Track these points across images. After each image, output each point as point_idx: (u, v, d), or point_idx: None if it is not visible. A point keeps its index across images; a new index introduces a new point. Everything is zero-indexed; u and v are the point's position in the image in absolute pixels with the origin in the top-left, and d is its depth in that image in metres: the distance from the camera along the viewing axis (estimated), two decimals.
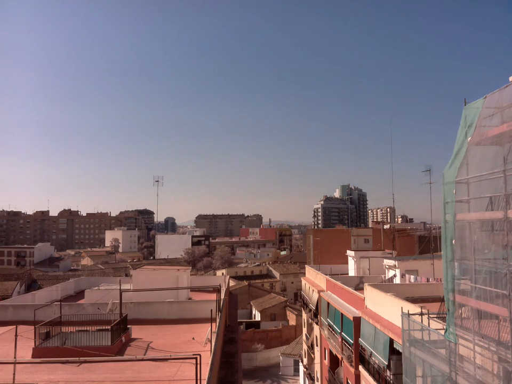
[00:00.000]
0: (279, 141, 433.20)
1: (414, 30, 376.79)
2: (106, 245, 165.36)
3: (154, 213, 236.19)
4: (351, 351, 22.19)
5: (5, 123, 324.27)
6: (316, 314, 32.02)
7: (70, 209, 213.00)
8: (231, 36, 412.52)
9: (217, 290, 20.13)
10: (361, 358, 20.97)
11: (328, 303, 27.58)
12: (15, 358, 13.25)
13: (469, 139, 11.32)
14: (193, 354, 10.32)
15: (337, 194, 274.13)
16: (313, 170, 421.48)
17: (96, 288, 27.59)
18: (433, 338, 12.48)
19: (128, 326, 17.67)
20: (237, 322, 29.65)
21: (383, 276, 30.82)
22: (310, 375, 36.12)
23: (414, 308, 14.77)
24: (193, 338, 16.66)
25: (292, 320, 59.42)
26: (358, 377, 21.55)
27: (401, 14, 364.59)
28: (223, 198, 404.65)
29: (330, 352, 27.47)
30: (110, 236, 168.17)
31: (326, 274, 31.54)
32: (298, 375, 43.77)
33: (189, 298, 25.93)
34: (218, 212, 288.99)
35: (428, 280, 25.17)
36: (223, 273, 71.40)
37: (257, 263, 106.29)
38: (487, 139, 10.84)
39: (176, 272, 26.54)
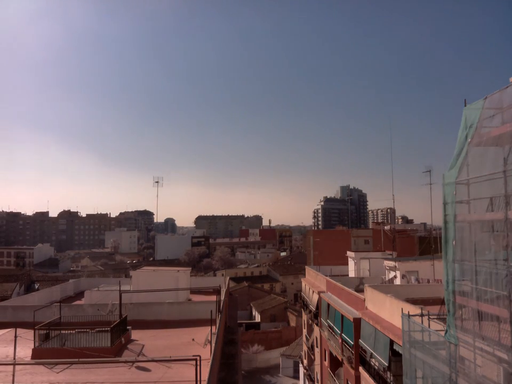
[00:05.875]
0: (278, 141, 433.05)
1: (413, 29, 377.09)
2: (106, 246, 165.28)
3: (154, 214, 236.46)
4: (351, 352, 22.15)
5: (5, 123, 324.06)
6: (316, 315, 31.97)
7: (69, 210, 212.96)
8: (232, 35, 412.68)
9: (217, 291, 20.13)
10: (362, 359, 20.93)
11: (328, 304, 27.54)
12: (14, 359, 13.24)
13: (469, 140, 11.31)
14: (193, 356, 10.30)
15: (337, 195, 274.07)
16: (313, 171, 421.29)
17: (96, 289, 27.57)
18: (433, 340, 12.44)
19: (127, 327, 17.66)
20: (237, 324, 29.65)
21: (383, 277, 30.78)
22: (310, 376, 36.06)
23: (414, 309, 14.74)
24: (193, 340, 16.63)
25: (292, 321, 59.40)
26: (358, 378, 21.50)
27: (400, 14, 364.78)
28: (222, 198, 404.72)
29: (331, 353, 27.43)
30: (109, 237, 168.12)
31: (326, 276, 31.50)
32: (298, 376, 43.70)
33: (189, 300, 25.91)
34: (218, 212, 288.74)
35: (428, 281, 25.15)
36: (223, 274, 71.37)
37: (257, 264, 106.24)
38: (488, 140, 10.82)
39: (175, 273, 26.51)
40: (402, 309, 14.82)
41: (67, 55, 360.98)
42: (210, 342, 14.87)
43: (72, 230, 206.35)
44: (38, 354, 14.63)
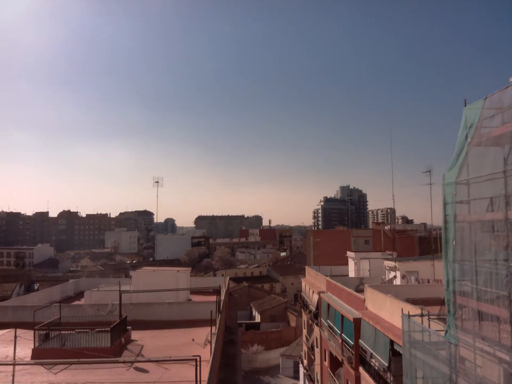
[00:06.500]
0: (278, 141, 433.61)
1: (414, 29, 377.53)
2: (106, 246, 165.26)
3: (154, 214, 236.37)
4: (352, 352, 22.15)
5: (4, 123, 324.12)
6: (316, 315, 31.97)
7: (69, 210, 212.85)
8: (231, 37, 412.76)
9: (217, 291, 20.11)
10: (362, 360, 20.93)
11: (329, 305, 27.54)
12: (14, 359, 13.24)
13: (469, 140, 11.31)
14: (193, 356, 10.29)
15: (337, 195, 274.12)
16: (313, 171, 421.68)
17: (96, 289, 27.55)
18: (433, 340, 12.44)
19: (127, 327, 17.65)
20: (237, 324, 29.64)
21: (383, 277, 30.78)
22: (310, 377, 36.05)
23: (414, 309, 14.74)
24: (193, 340, 16.63)
25: (292, 322, 59.39)
26: (358, 378, 21.50)
27: (400, 14, 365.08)
28: (222, 199, 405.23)
29: (331, 354, 27.42)
30: (109, 237, 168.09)
31: (326, 276, 31.50)
32: (298, 377, 43.70)
33: (189, 300, 25.90)
34: (218, 212, 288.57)
35: (428, 282, 25.15)
36: (223, 275, 71.34)
37: (257, 264, 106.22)
38: (488, 140, 10.82)
39: (175, 273, 26.50)
40: (402, 309, 14.82)
41: (67, 54, 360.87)
42: (210, 342, 14.86)
43: (72, 230, 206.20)
44: (38, 355, 14.62)
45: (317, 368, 33.14)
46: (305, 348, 39.45)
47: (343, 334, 23.83)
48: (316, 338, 33.23)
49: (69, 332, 16.05)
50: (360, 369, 21.04)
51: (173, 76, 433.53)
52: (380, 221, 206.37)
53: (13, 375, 11.51)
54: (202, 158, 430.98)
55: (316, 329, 32.72)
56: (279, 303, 64.39)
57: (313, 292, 33.51)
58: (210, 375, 11.43)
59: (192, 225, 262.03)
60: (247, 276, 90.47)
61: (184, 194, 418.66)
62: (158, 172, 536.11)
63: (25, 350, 15.12)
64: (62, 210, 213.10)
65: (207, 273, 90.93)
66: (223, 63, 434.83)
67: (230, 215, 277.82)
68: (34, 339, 15.18)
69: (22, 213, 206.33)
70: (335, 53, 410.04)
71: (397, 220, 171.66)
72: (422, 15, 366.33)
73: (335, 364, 26.76)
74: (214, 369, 12.94)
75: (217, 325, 16.76)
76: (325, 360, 29.79)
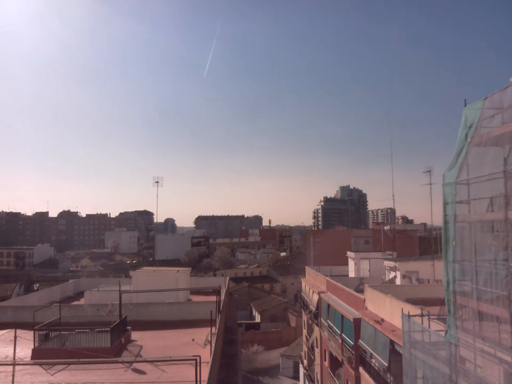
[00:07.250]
0: (278, 142, 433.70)
1: (414, 29, 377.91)
2: (106, 246, 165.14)
3: (154, 214, 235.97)
4: (351, 352, 22.14)
5: (4, 123, 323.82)
6: (316, 315, 31.97)
7: (69, 210, 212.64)
8: (235, 38, 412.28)
9: (217, 291, 20.12)
10: (362, 360, 20.92)
11: (329, 305, 27.53)
12: (14, 359, 13.24)
13: (469, 140, 11.31)
14: (193, 356, 10.29)
15: (337, 195, 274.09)
16: (313, 171, 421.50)
17: (96, 289, 27.55)
18: (433, 340, 12.44)
19: (127, 327, 17.65)
20: (237, 324, 29.61)
21: (383, 277, 30.78)
22: (310, 377, 36.04)
23: (414, 309, 14.74)
24: (193, 340, 16.62)
25: (292, 322, 59.38)
26: (358, 378, 21.50)
27: (401, 13, 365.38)
28: (222, 199, 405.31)
29: (331, 354, 27.42)
30: (109, 237, 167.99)
31: (326, 276, 31.49)
32: (298, 377, 43.68)
33: (189, 300, 25.90)
34: (218, 212, 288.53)
35: (428, 282, 25.15)
36: (223, 275, 71.29)
37: (257, 265, 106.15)
38: (488, 140, 10.82)
39: (175, 274, 26.50)
40: (402, 309, 14.82)
41: (66, 50, 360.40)
42: (210, 342, 14.85)
43: (72, 230, 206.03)
44: (38, 355, 14.61)
45: (317, 368, 33.12)
46: (305, 348, 39.43)
47: (343, 334, 23.82)
48: (316, 338, 33.22)
49: (68, 332, 16.04)
50: (360, 369, 21.03)
51: (172, 75, 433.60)
52: (379, 221, 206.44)
53: (13, 375, 11.52)
54: (203, 158, 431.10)
55: (316, 329, 32.71)
56: (279, 303, 64.38)
57: (313, 292, 33.51)
58: (210, 375, 11.43)
59: (192, 225, 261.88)
60: (247, 276, 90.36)
61: (184, 194, 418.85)
62: (158, 172, 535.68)
63: (25, 350, 15.11)
64: (62, 210, 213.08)
65: (207, 273, 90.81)
66: (222, 62, 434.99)
67: (230, 215, 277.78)
68: (34, 339, 15.18)
69: (22, 213, 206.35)
70: (335, 53, 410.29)
71: (397, 220, 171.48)
72: (422, 15, 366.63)
73: (335, 364, 26.75)
74: (214, 369, 12.94)
75: (217, 325, 16.76)
76: (325, 360, 29.78)
